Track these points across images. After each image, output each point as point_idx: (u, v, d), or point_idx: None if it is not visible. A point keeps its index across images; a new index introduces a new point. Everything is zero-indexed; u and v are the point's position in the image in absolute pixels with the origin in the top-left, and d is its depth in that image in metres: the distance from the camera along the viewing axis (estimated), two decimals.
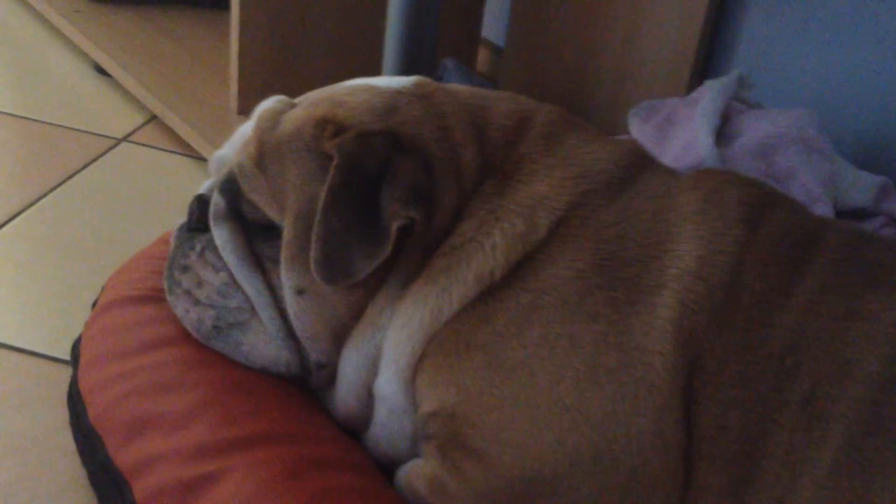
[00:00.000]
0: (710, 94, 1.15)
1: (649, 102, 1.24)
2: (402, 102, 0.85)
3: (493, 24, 1.87)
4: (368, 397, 0.84)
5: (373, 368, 0.83)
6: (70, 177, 1.50)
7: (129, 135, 1.66)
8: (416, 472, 0.80)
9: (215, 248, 0.86)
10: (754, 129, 1.12)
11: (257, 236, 0.85)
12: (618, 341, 0.74)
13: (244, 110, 1.61)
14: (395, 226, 0.78)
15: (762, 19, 1.40)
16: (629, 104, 1.50)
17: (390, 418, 0.83)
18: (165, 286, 0.89)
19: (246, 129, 0.90)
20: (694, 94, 1.21)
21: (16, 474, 0.94)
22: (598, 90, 1.60)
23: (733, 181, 0.83)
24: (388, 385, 0.82)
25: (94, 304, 0.98)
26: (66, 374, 1.09)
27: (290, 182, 0.83)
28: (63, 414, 1.01)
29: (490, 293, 0.78)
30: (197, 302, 0.85)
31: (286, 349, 0.85)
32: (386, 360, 0.81)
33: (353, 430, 0.86)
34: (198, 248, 0.87)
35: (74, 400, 0.87)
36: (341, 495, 0.75)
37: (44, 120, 1.66)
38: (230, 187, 0.85)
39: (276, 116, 0.87)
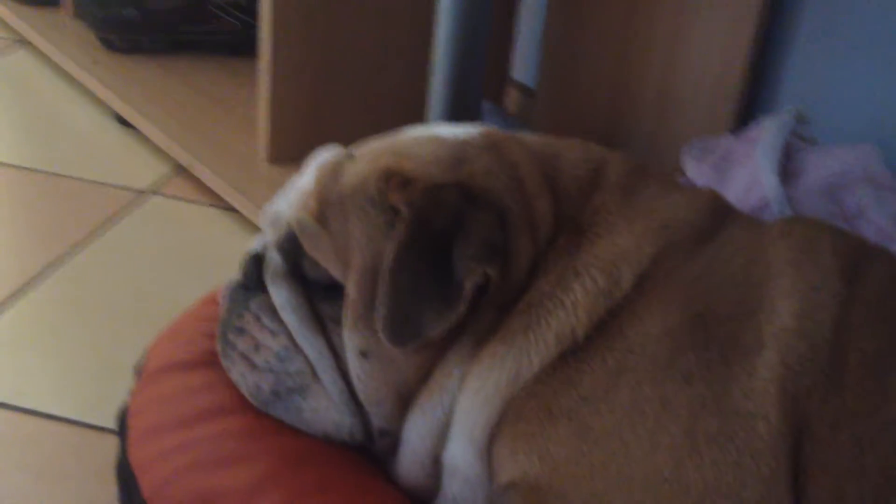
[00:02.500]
0: (772, 132, 1.11)
1: (702, 141, 1.20)
2: (471, 153, 0.81)
3: (523, 65, 1.84)
4: (434, 467, 0.79)
5: (441, 436, 0.77)
6: (98, 232, 1.46)
7: (156, 187, 1.61)
8: None
9: (273, 309, 0.81)
10: (818, 166, 1.08)
11: (318, 295, 0.80)
12: (716, 405, 0.69)
13: (274, 159, 1.57)
14: (469, 284, 0.73)
15: (811, 48, 1.36)
16: (669, 142, 1.47)
17: (463, 489, 0.77)
18: (219, 349, 0.84)
19: (302, 183, 0.86)
20: (750, 132, 1.17)
21: None
22: (635, 128, 1.56)
23: (824, 229, 0.79)
24: (460, 455, 0.76)
25: (138, 370, 0.93)
26: (104, 441, 1.04)
27: (355, 238, 0.78)
28: (105, 486, 0.96)
29: (572, 354, 0.73)
30: (254, 367, 0.81)
31: (349, 414, 0.80)
32: (457, 427, 0.76)
33: (421, 499, 0.81)
34: (253, 308, 0.82)
35: (125, 474, 0.82)
36: None
37: (68, 174, 1.62)
38: (289, 245, 0.81)
39: (336, 169, 0.82)
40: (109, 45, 1.96)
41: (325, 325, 0.80)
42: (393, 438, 0.80)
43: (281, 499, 0.74)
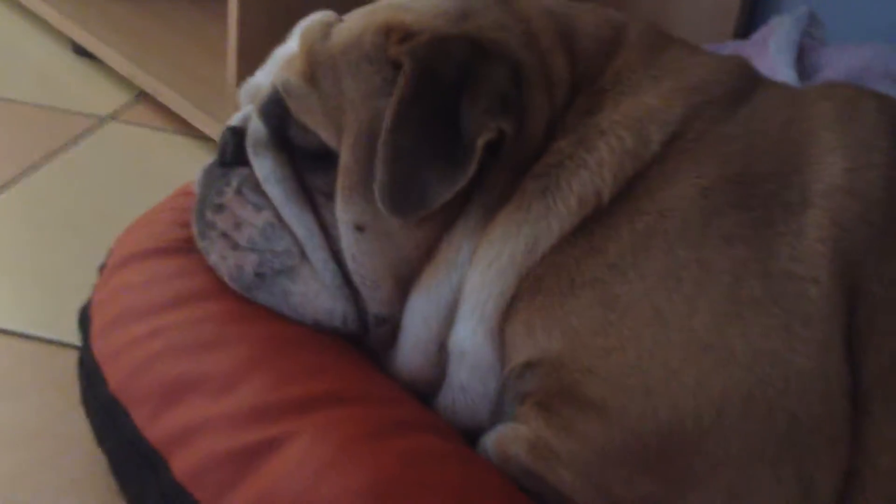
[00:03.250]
0: (785, 28, 1.04)
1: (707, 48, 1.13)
2: (479, 6, 0.72)
3: None
4: (439, 355, 0.71)
5: (447, 319, 0.69)
6: (55, 155, 1.35)
7: (116, 114, 1.51)
8: (509, 437, 0.66)
9: (256, 184, 0.72)
10: (836, 64, 1.01)
11: (307, 166, 0.72)
12: (761, 267, 0.62)
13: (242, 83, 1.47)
14: (480, 140, 0.65)
15: None
16: None
17: (472, 377, 0.69)
18: (196, 230, 0.75)
19: (285, 50, 0.77)
20: (758, 35, 1.09)
21: (15, 468, 0.79)
22: None
23: (864, 91, 0.72)
24: (470, 337, 0.68)
25: (102, 268, 0.83)
26: (63, 354, 0.95)
27: (349, 99, 0.69)
28: (65, 396, 0.87)
29: (596, 219, 0.66)
30: (236, 246, 0.72)
31: (342, 299, 0.71)
32: (467, 306, 0.68)
33: (421, 394, 0.73)
34: (234, 183, 0.73)
35: (88, 370, 0.73)
36: (432, 458, 0.62)
37: (21, 100, 1.51)
38: (274, 109, 0.72)
39: (325, 28, 0.74)
40: None
41: (314, 200, 0.72)
42: (391, 326, 0.72)
43: (265, 383, 0.66)
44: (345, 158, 0.69)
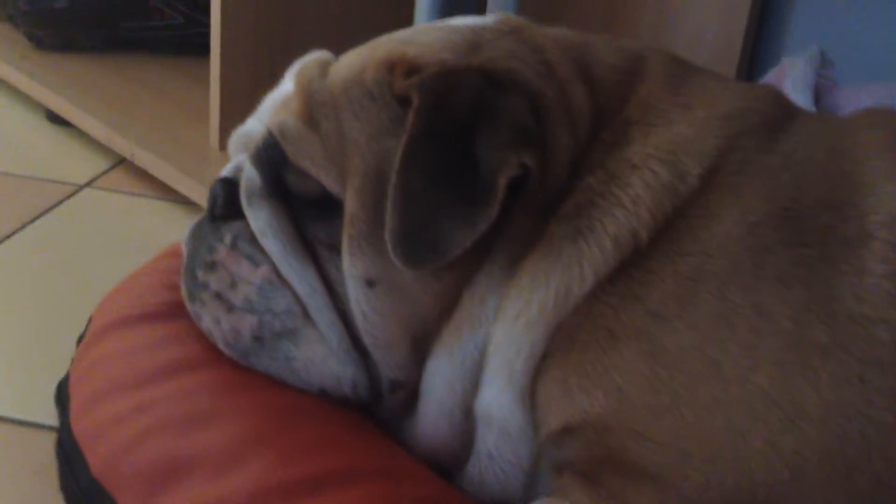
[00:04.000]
0: (799, 69, 0.99)
1: None
2: (489, 37, 0.66)
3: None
4: (465, 422, 0.63)
5: (473, 380, 0.62)
6: (30, 224, 1.28)
7: (92, 180, 1.44)
8: None
9: (251, 238, 0.65)
10: (854, 102, 0.96)
11: (307, 216, 0.65)
12: (823, 309, 0.55)
13: (226, 145, 1.41)
14: (502, 177, 0.58)
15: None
16: None
17: (502, 444, 0.62)
18: (185, 293, 0.68)
19: (278, 94, 0.71)
20: (771, 76, 1.05)
21: None
22: None
23: None
24: (497, 399, 0.61)
25: (80, 339, 0.76)
26: (39, 438, 0.86)
27: (352, 140, 0.63)
28: (43, 484, 0.78)
29: (634, 263, 0.59)
30: (231, 308, 0.64)
31: (351, 363, 0.64)
32: (493, 365, 0.61)
33: (444, 467, 0.65)
34: (228, 238, 0.66)
35: (67, 452, 0.65)
36: None
37: None
38: (269, 155, 0.65)
39: (322, 67, 0.67)
40: (39, 42, 1.79)
41: (317, 253, 0.65)
42: (407, 391, 0.65)
43: (269, 462, 0.58)
44: (350, 205, 0.62)
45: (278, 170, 0.65)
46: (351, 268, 0.63)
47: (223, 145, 1.40)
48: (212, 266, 0.65)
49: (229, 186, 0.68)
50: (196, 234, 0.70)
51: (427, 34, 0.68)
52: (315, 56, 0.70)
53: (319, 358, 0.64)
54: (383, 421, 0.66)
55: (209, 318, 0.65)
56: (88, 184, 1.43)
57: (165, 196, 1.40)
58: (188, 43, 1.84)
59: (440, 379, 0.63)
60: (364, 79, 0.64)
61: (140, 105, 1.56)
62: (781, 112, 0.66)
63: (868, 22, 1.23)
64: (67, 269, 1.18)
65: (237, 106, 1.41)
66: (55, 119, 1.63)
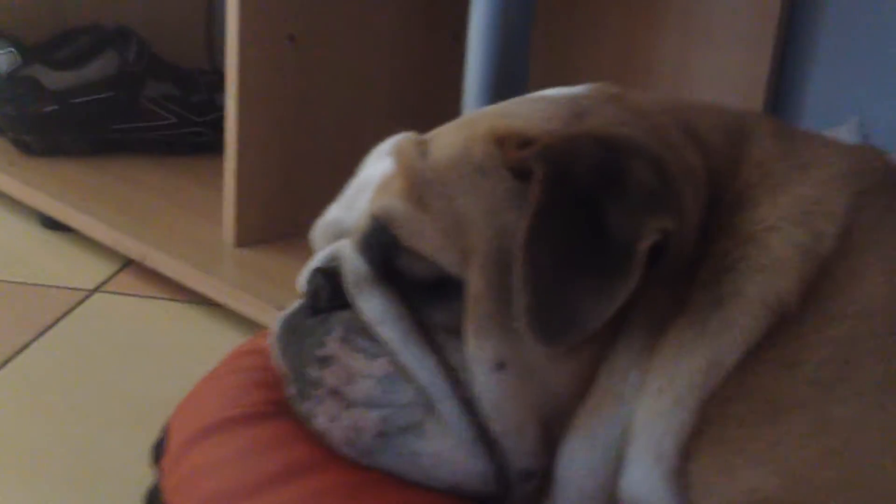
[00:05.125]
0: (844, 136, 0.98)
1: None
2: (590, 106, 0.65)
3: None
4: None
5: (616, 463, 0.58)
6: (42, 333, 1.22)
7: (100, 285, 1.39)
8: None
9: (361, 328, 0.62)
10: None
11: (423, 300, 0.62)
12: None
13: (242, 242, 1.38)
14: (643, 244, 0.56)
15: (831, 66, 1.27)
16: None
17: None
18: (293, 391, 0.63)
19: (365, 179, 0.68)
20: None
21: None
22: None
23: None
24: (645, 482, 0.57)
25: (158, 450, 0.71)
26: None
27: (467, 218, 0.60)
28: None
29: (784, 329, 0.56)
30: (350, 404, 0.60)
31: (480, 455, 0.60)
32: (639, 445, 0.58)
33: None
34: (337, 331, 0.62)
35: None
36: None
37: None
38: (377, 240, 0.62)
39: (419, 146, 0.65)
40: (26, 148, 1.74)
41: (435, 339, 0.61)
42: (539, 480, 0.61)
43: None
44: (474, 285, 0.59)
45: (388, 254, 0.62)
46: (478, 350, 0.59)
47: (239, 242, 1.37)
48: (325, 361, 0.61)
49: (330, 276, 0.64)
50: (290, 329, 0.66)
51: (524, 106, 0.66)
52: (404, 136, 0.67)
53: (447, 452, 0.60)
54: None
55: (324, 417, 0.61)
56: (97, 289, 1.38)
57: (178, 297, 1.36)
58: (180, 143, 1.82)
59: (580, 464, 0.59)
60: (471, 154, 0.62)
61: (145, 206, 1.52)
62: (892, 169, 0.65)
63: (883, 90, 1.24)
64: (92, 376, 1.12)
65: (252, 202, 1.38)
66: (50, 225, 1.58)
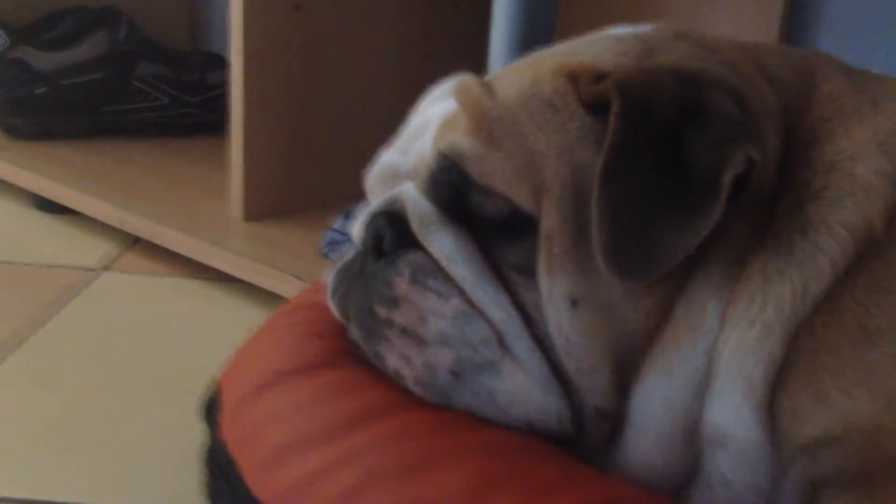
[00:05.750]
0: None
1: None
2: (661, 42, 0.64)
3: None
4: (688, 446, 0.58)
5: (696, 399, 0.58)
6: (52, 312, 1.19)
7: (109, 264, 1.36)
8: None
9: (431, 269, 0.60)
10: None
11: (495, 239, 0.60)
12: None
13: (251, 216, 1.36)
14: (727, 175, 0.55)
15: (840, 22, 1.28)
16: None
17: (738, 466, 0.57)
18: (360, 334, 0.62)
19: (430, 115, 0.66)
20: None
21: None
22: None
23: None
24: (734, 416, 0.56)
25: (210, 405, 0.69)
26: None
27: (541, 154, 0.59)
28: None
29: (871, 254, 0.56)
30: (423, 343, 0.59)
31: (555, 393, 0.59)
32: (725, 379, 0.57)
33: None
34: (406, 273, 0.61)
35: None
36: None
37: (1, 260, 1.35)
38: (447, 178, 0.61)
39: (484, 85, 0.63)
40: (16, 131, 1.70)
41: (507, 278, 0.60)
42: (612, 420, 0.60)
43: (520, 501, 0.52)
44: (548, 222, 0.58)
45: (458, 193, 0.61)
46: (552, 287, 0.58)
47: (248, 216, 1.35)
48: (395, 301, 0.60)
49: (393, 219, 0.63)
50: (350, 276, 0.65)
51: (591, 44, 0.65)
52: (465, 77, 0.66)
53: (523, 389, 0.59)
54: (584, 457, 0.61)
55: (396, 358, 0.60)
56: (106, 268, 1.35)
57: (187, 274, 1.33)
58: (174, 124, 1.79)
59: (657, 401, 0.58)
60: (541, 91, 0.61)
61: (146, 186, 1.49)
62: None
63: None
64: (109, 353, 1.10)
65: (260, 175, 1.36)
66: (45, 207, 1.55)
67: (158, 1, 1.99)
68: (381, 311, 0.60)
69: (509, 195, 0.59)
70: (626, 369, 0.59)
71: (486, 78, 0.66)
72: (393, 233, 0.62)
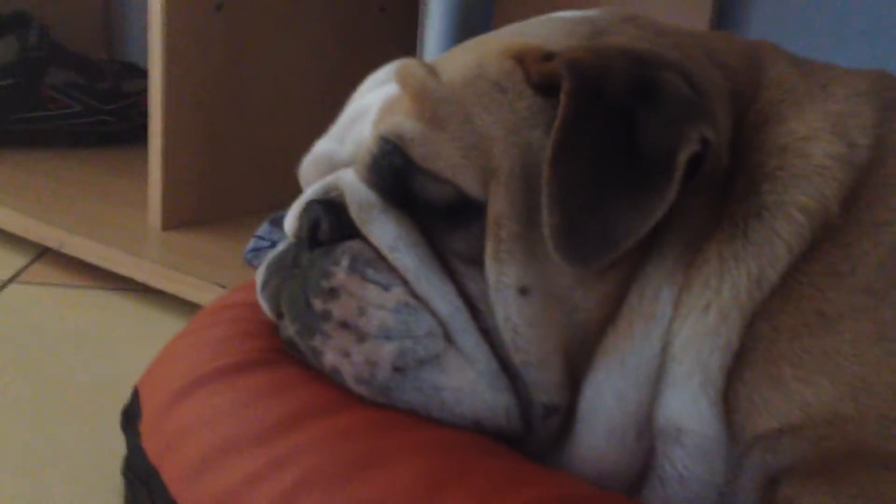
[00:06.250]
0: None
1: None
2: (608, 25, 0.62)
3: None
4: (639, 440, 0.56)
5: (649, 389, 0.55)
6: None
7: (15, 276, 1.29)
8: None
9: (371, 258, 0.57)
10: None
11: (438, 226, 0.57)
12: None
13: (169, 225, 1.30)
14: (683, 154, 0.53)
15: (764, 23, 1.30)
16: None
17: (694, 461, 0.55)
18: (295, 329, 0.58)
19: (360, 109, 0.63)
20: None
21: None
22: None
23: None
24: (690, 408, 0.54)
25: (130, 411, 0.64)
26: None
27: (487, 136, 0.56)
28: None
29: (828, 238, 0.54)
30: (363, 337, 0.55)
31: (502, 389, 0.56)
32: (680, 368, 0.54)
33: None
34: (344, 262, 0.57)
35: None
36: None
37: None
38: (390, 163, 0.57)
39: (427, 67, 0.60)
40: None
41: (451, 267, 0.57)
42: (561, 416, 0.57)
43: (468, 499, 0.48)
44: (496, 206, 0.55)
45: (400, 178, 0.57)
46: (500, 275, 0.55)
47: (166, 225, 1.29)
48: (332, 293, 0.56)
49: (331, 207, 0.59)
50: (282, 268, 0.61)
51: (537, 28, 0.63)
52: (403, 61, 0.63)
53: (468, 385, 0.55)
54: (531, 455, 0.58)
55: (334, 353, 0.56)
56: (12, 279, 1.27)
57: (99, 285, 1.27)
58: (86, 133, 1.72)
59: (609, 393, 0.55)
60: (486, 72, 0.58)
61: (59, 195, 1.42)
62: None
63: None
64: (20, 368, 1.03)
65: (179, 183, 1.30)
66: None
67: (72, 8, 1.93)
68: (318, 303, 0.56)
69: (454, 179, 0.56)
70: (576, 362, 0.56)
71: (429, 62, 0.63)
72: (330, 221, 0.59)
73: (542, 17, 0.64)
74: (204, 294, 1.12)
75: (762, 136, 0.58)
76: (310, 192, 0.62)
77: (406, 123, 0.57)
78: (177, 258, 1.20)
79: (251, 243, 1.18)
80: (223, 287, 1.10)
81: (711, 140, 0.53)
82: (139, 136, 1.76)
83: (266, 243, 1.16)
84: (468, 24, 0.95)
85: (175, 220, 1.31)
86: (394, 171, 0.57)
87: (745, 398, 0.53)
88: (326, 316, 0.56)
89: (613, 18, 0.63)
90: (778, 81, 0.61)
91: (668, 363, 0.54)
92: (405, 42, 1.55)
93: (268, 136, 1.39)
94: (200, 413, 0.57)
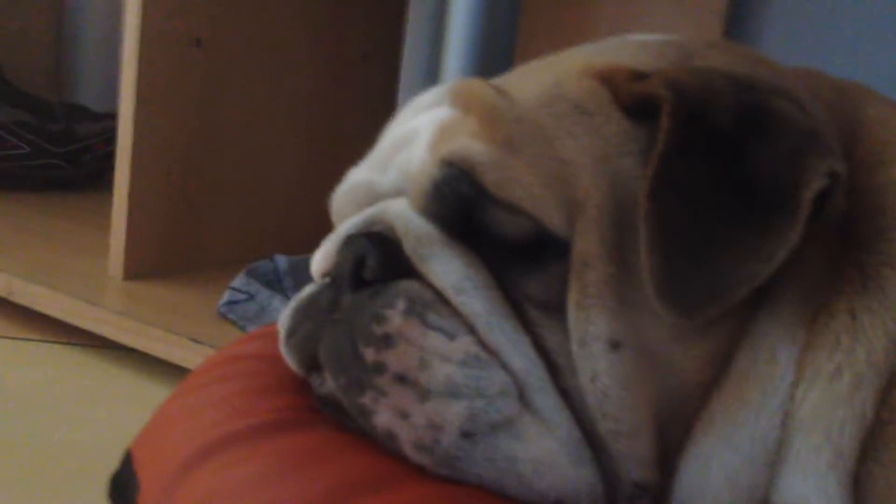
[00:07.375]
0: None
1: None
2: (694, 49, 0.54)
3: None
4: None
5: (767, 468, 0.47)
6: None
7: None
8: None
9: (434, 301, 0.48)
10: None
11: (509, 266, 0.49)
12: None
13: (132, 274, 1.19)
14: (808, 191, 0.45)
15: (781, 27, 1.26)
16: None
17: None
18: (339, 384, 0.48)
19: (405, 135, 0.55)
20: None
21: None
22: None
23: None
24: (815, 491, 0.46)
25: (121, 482, 0.54)
26: None
27: (570, 162, 0.48)
28: None
29: None
30: (425, 394, 0.46)
31: (586, 462, 0.47)
32: (804, 444, 0.46)
33: None
34: (400, 304, 0.48)
35: None
36: None
37: None
38: (455, 191, 0.49)
39: (493, 86, 0.52)
40: None
41: (525, 316, 0.48)
42: (649, 499, 0.48)
43: None
44: (583, 245, 0.47)
45: (468, 208, 0.49)
46: (586, 326, 0.46)
47: (128, 274, 1.18)
48: (386, 340, 0.47)
49: (378, 241, 0.50)
50: (313, 314, 0.52)
51: (615, 49, 0.55)
52: (465, 80, 0.55)
53: (549, 456, 0.47)
54: None
55: (391, 413, 0.46)
56: None
57: (52, 338, 1.15)
58: (33, 176, 1.61)
59: (716, 472, 0.47)
60: (566, 91, 0.50)
61: (4, 239, 1.30)
62: None
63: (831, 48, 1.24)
64: None
65: (144, 231, 1.20)
66: None
67: (21, 49, 1.83)
68: (369, 353, 0.47)
69: (534, 211, 0.48)
70: (673, 431, 0.48)
71: (495, 81, 0.55)
72: (378, 256, 0.50)
73: (615, 40, 0.57)
74: (174, 349, 1.01)
75: (879, 178, 0.51)
76: (347, 225, 0.53)
77: (475, 146, 0.49)
78: (140, 309, 1.09)
79: (226, 295, 1.08)
80: (197, 342, 1.00)
81: (841, 174, 0.46)
82: (90, 182, 1.66)
83: (243, 296, 1.06)
84: (490, 49, 0.88)
85: (138, 269, 1.20)
86: (459, 200, 0.49)
87: (883, 481, 0.45)
88: (380, 368, 0.47)
89: (698, 43, 0.56)
90: (880, 121, 0.55)
91: (791, 436, 0.46)
92: (387, 91, 1.48)
93: (243, 185, 1.29)
94: (223, 485, 0.46)
